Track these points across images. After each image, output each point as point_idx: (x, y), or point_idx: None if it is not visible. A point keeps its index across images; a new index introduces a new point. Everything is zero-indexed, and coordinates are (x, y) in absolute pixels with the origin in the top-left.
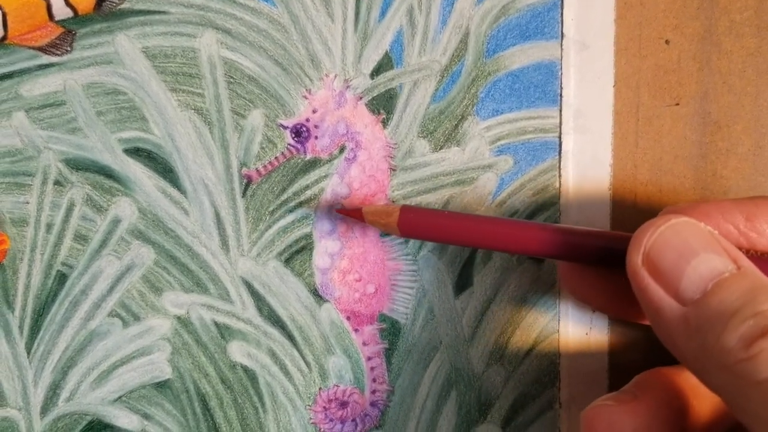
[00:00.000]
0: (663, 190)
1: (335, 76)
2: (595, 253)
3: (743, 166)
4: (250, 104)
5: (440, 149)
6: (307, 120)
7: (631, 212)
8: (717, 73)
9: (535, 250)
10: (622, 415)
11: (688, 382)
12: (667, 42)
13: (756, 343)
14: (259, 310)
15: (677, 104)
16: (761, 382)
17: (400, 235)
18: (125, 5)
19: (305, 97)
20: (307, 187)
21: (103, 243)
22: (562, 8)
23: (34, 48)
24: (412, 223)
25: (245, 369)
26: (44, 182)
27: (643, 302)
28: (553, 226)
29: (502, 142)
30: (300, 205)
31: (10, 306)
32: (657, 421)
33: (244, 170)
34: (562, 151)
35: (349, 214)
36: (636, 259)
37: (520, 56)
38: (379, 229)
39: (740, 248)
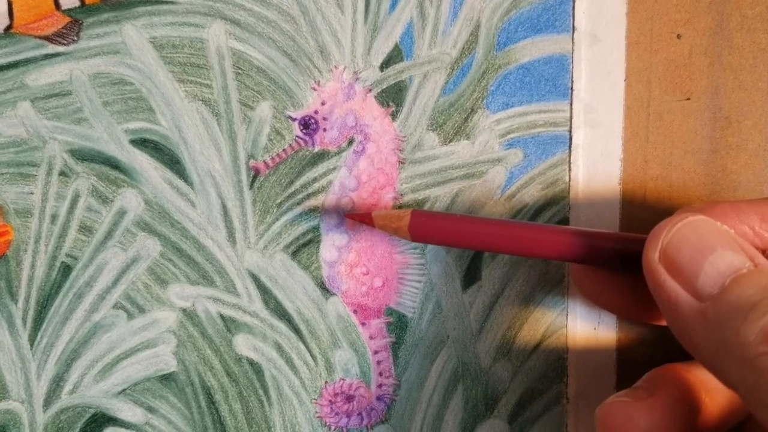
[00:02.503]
0: (673, 185)
1: (344, 68)
2: (609, 256)
3: (753, 161)
4: (258, 96)
5: (449, 142)
6: (316, 112)
7: (641, 207)
8: (728, 68)
9: (547, 254)
10: (638, 411)
11: (699, 378)
12: (678, 36)
13: None
14: (266, 303)
15: (688, 99)
16: None
17: (411, 239)
18: None
19: (314, 89)
20: (315, 180)
21: (109, 234)
22: (573, 1)
23: (40, 37)
24: (424, 228)
25: (251, 362)
26: (49, 173)
27: (659, 299)
28: (566, 229)
29: (512, 135)
30: (307, 205)
31: (14, 297)
32: (671, 416)
33: (252, 162)
34: (573, 145)
35: (358, 219)
36: (653, 255)
37: (531, 49)
38: (390, 234)
39: (756, 249)
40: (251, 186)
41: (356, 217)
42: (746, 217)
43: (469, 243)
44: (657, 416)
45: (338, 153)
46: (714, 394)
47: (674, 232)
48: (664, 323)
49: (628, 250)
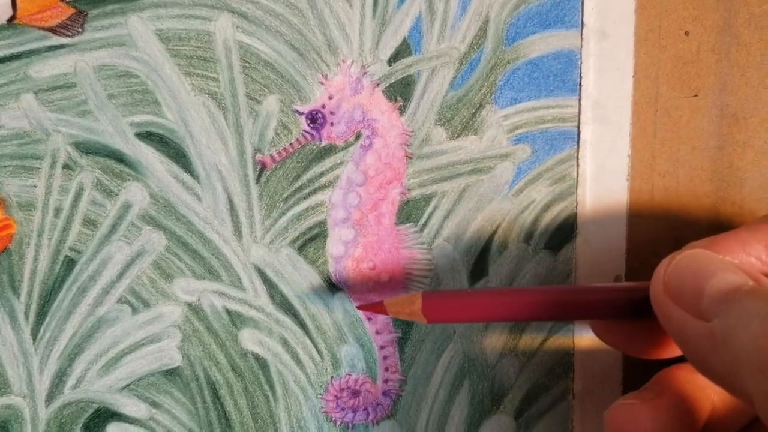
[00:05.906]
0: (680, 181)
1: (352, 62)
2: (622, 308)
3: (760, 158)
4: (265, 89)
5: (457, 137)
6: (323, 106)
7: (649, 203)
8: (735, 65)
9: (563, 318)
10: (645, 413)
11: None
12: (686, 33)
13: None
14: (272, 297)
15: (696, 96)
16: None
17: (427, 322)
18: None
19: (321, 83)
20: (321, 174)
21: (113, 228)
22: None
23: (44, 28)
24: (436, 308)
25: (256, 357)
26: (53, 166)
27: (670, 330)
28: (575, 290)
29: (520, 130)
30: (316, 191)
31: (16, 291)
32: (677, 418)
33: (258, 156)
34: (581, 141)
35: (370, 309)
36: (658, 288)
37: (540, 45)
38: (405, 319)
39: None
40: (258, 180)
41: (368, 308)
42: (751, 248)
43: (483, 317)
44: (662, 417)
45: (345, 147)
46: (723, 395)
47: (674, 264)
48: None
49: (638, 298)
